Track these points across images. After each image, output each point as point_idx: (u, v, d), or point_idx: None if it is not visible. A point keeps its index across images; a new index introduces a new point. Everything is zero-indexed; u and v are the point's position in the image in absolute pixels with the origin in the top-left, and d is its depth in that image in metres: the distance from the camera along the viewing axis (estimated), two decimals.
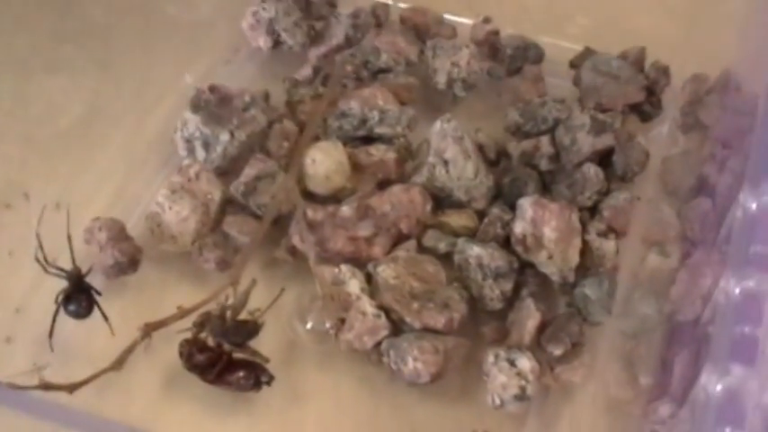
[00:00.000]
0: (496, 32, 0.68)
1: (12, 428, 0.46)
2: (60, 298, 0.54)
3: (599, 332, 0.56)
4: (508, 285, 0.56)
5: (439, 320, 0.54)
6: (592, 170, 0.59)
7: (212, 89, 0.62)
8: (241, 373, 0.53)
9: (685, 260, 0.53)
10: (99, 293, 0.55)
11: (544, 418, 0.54)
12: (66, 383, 0.50)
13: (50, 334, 0.53)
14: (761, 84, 0.48)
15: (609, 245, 0.57)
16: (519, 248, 0.57)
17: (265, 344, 0.54)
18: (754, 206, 0.41)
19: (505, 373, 0.52)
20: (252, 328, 0.53)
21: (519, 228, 0.57)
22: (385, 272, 0.56)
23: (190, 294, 0.55)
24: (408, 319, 0.54)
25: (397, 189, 0.59)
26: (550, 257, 0.56)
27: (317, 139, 0.62)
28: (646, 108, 0.64)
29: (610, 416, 0.53)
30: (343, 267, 0.56)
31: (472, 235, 0.59)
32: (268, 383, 0.53)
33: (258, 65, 0.70)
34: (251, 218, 0.59)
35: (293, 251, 0.58)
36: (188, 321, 0.53)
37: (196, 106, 0.62)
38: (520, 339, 0.54)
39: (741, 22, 0.59)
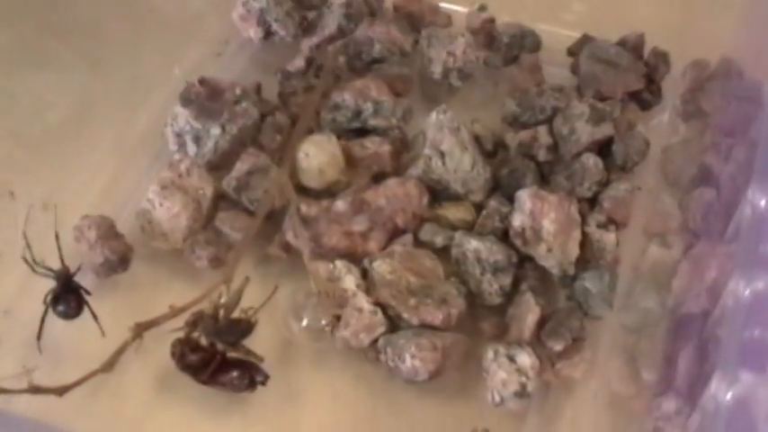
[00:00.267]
0: (492, 20, 0.67)
1: None
2: (49, 298, 0.53)
3: (600, 326, 0.54)
4: (507, 280, 0.55)
5: (437, 316, 0.53)
6: (591, 160, 0.58)
7: (202, 82, 0.61)
8: (235, 373, 0.52)
9: (688, 252, 0.52)
10: (89, 293, 0.53)
11: (545, 415, 0.53)
12: (55, 386, 0.49)
13: (39, 336, 0.52)
14: (766, 70, 0.47)
15: (609, 237, 0.56)
16: (518, 242, 0.56)
17: (260, 342, 0.53)
18: (762, 203, 0.39)
19: (505, 370, 0.51)
20: (245, 327, 0.52)
21: (517, 220, 0.56)
22: (381, 267, 0.55)
23: (182, 293, 0.53)
24: (405, 316, 0.53)
25: (392, 182, 0.58)
26: (550, 250, 0.55)
27: (310, 132, 0.61)
28: (645, 96, 0.63)
29: (612, 412, 0.52)
30: (339, 263, 0.55)
31: (470, 228, 0.58)
32: (263, 383, 0.52)
33: (249, 56, 0.69)
34: (244, 213, 0.58)
35: (287, 247, 0.57)
36: (180, 320, 0.52)
37: (186, 100, 0.60)
38: (519, 335, 0.53)
39: (741, 8, 0.58)
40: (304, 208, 0.57)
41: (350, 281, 0.54)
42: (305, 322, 0.55)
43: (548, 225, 0.55)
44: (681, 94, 0.61)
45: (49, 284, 0.53)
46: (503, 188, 0.59)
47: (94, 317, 0.53)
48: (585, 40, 0.66)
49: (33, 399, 0.49)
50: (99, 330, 0.53)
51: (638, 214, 0.57)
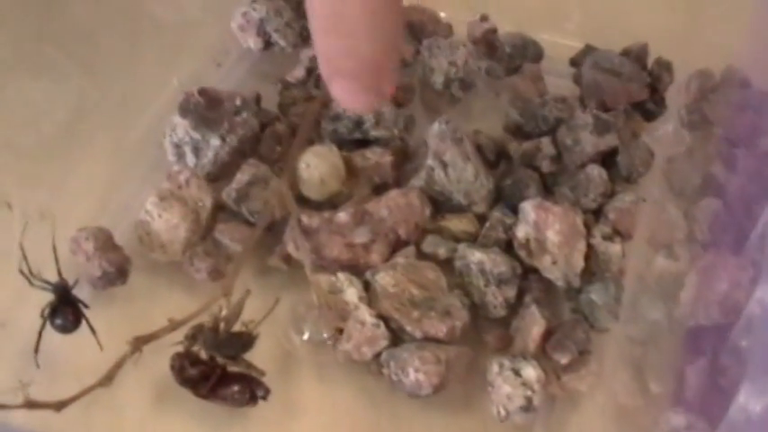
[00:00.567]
0: (494, 30, 0.67)
1: None
2: (46, 311, 0.52)
3: (606, 339, 0.54)
4: (511, 292, 0.54)
5: (440, 329, 0.52)
6: (595, 171, 0.58)
7: (202, 92, 0.60)
8: (236, 387, 0.51)
9: (695, 263, 0.51)
10: (87, 306, 0.52)
11: (551, 429, 0.52)
12: (52, 401, 0.48)
13: (36, 349, 0.51)
14: None
15: (614, 248, 0.55)
16: (522, 253, 0.55)
17: (260, 356, 0.52)
18: None
19: (510, 383, 0.50)
20: (246, 341, 0.51)
21: (522, 232, 0.55)
22: (384, 279, 0.54)
23: (181, 305, 0.53)
24: (409, 328, 0.52)
25: (394, 193, 0.57)
26: (554, 262, 0.54)
27: (310, 142, 0.60)
28: (649, 106, 0.63)
29: (619, 425, 0.51)
30: (340, 275, 0.54)
31: (473, 240, 0.57)
32: (264, 397, 0.51)
33: (248, 67, 0.68)
34: (243, 225, 0.57)
35: (288, 259, 0.56)
36: (179, 334, 0.51)
37: (185, 110, 0.59)
38: (524, 347, 0.52)
39: (746, 17, 0.57)
40: (305, 219, 0.56)
41: (352, 293, 0.54)
42: (306, 335, 0.54)
43: (552, 236, 0.54)
44: (686, 104, 0.60)
45: (46, 296, 0.52)
46: (506, 199, 0.59)
47: (92, 330, 0.52)
48: (588, 50, 0.65)
49: (30, 413, 0.48)
50: (97, 344, 0.52)
51: (644, 225, 0.56)
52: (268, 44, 0.67)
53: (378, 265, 0.55)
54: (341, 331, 0.53)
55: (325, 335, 0.53)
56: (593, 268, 0.55)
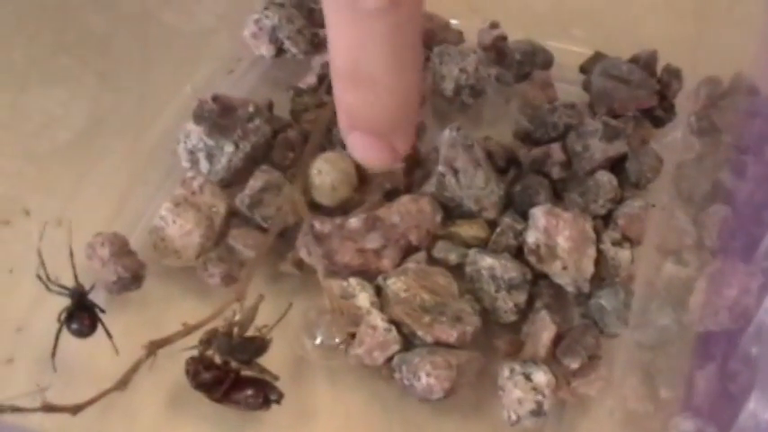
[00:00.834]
0: (504, 37, 0.67)
1: None
2: (63, 316, 0.52)
3: (616, 344, 0.54)
4: (522, 297, 0.55)
5: (451, 334, 0.53)
6: (605, 177, 0.58)
7: (215, 99, 0.61)
8: (249, 392, 0.51)
9: (704, 269, 0.52)
10: (103, 311, 0.53)
11: None
12: (69, 405, 0.49)
13: (53, 353, 0.52)
14: None
15: (624, 254, 0.56)
16: (532, 259, 0.56)
17: (272, 360, 0.52)
18: None
19: (521, 388, 0.51)
20: (260, 345, 0.52)
21: (532, 238, 0.56)
22: (395, 284, 0.54)
23: (195, 310, 0.53)
24: (420, 333, 0.53)
25: (405, 199, 0.58)
26: (565, 268, 0.55)
27: (322, 149, 0.61)
28: (658, 113, 0.63)
29: (628, 430, 0.51)
30: (352, 280, 0.55)
31: (483, 245, 0.57)
32: (277, 401, 0.52)
33: (261, 74, 0.69)
34: (256, 231, 0.58)
35: (300, 264, 0.57)
36: (193, 338, 0.52)
37: (199, 117, 0.60)
38: (535, 352, 0.53)
39: (755, 24, 0.58)
40: (317, 225, 0.56)
41: (364, 298, 0.54)
42: (318, 340, 0.55)
43: (562, 242, 0.55)
44: (695, 111, 0.61)
45: (62, 301, 0.53)
46: (516, 205, 0.59)
47: (108, 335, 0.53)
48: (597, 57, 0.66)
49: (46, 417, 0.48)
50: (111, 348, 0.52)
51: (653, 231, 0.57)
52: (280, 51, 0.67)
53: (389, 270, 0.56)
54: (353, 336, 0.53)
55: (337, 339, 0.53)
56: (603, 274, 0.56)
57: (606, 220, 0.58)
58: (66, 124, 0.65)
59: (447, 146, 0.59)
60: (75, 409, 0.49)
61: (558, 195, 0.60)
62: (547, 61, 0.67)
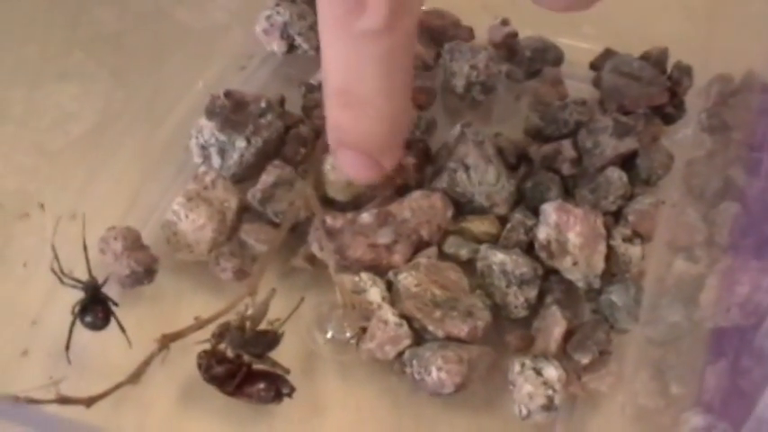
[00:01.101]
0: (515, 34, 0.67)
1: None
2: (77, 309, 0.53)
3: (626, 340, 0.54)
4: (533, 292, 0.55)
5: (462, 329, 0.53)
6: (615, 174, 0.58)
7: (227, 95, 0.61)
8: (261, 385, 0.52)
9: (715, 266, 0.52)
10: (116, 304, 0.54)
11: (571, 429, 0.53)
12: (83, 397, 0.49)
13: (67, 346, 0.52)
14: None
15: (635, 250, 0.56)
16: (543, 254, 0.56)
17: (285, 354, 0.53)
18: None
19: (532, 383, 0.51)
20: (272, 339, 0.52)
21: (543, 233, 0.56)
22: (406, 279, 0.55)
23: (207, 304, 0.54)
24: (431, 328, 0.53)
25: (417, 195, 0.58)
26: (575, 264, 0.55)
27: None
28: (669, 110, 0.63)
29: (639, 426, 0.51)
30: (364, 275, 0.55)
31: (494, 241, 0.58)
32: (289, 395, 0.52)
33: (272, 70, 0.69)
34: (268, 226, 0.58)
35: (312, 259, 0.57)
36: (206, 332, 0.52)
37: (211, 113, 0.60)
38: (546, 348, 0.53)
39: (767, 21, 0.58)
40: (329, 220, 0.57)
41: (375, 293, 0.54)
42: (330, 334, 0.55)
43: (573, 238, 0.55)
44: (705, 108, 0.61)
45: (76, 295, 0.53)
46: (527, 201, 0.59)
47: (122, 328, 0.53)
48: (608, 53, 0.66)
49: (60, 409, 0.49)
50: (124, 341, 0.53)
51: (663, 228, 0.57)
52: (292, 47, 0.68)
53: (400, 265, 0.56)
54: (364, 330, 0.53)
55: (348, 334, 0.54)
56: (614, 270, 0.56)
57: (617, 216, 0.58)
58: (80, 120, 0.66)
59: (458, 142, 0.59)
60: (89, 402, 0.49)
61: (568, 192, 0.60)
62: (557, 58, 0.67)
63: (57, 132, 0.65)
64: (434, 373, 0.51)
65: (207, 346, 0.52)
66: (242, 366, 0.52)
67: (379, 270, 0.56)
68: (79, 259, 0.53)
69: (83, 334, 0.53)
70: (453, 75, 0.65)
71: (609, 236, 0.56)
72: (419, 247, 0.57)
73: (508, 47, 0.67)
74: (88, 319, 0.53)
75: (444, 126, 0.63)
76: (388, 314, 0.53)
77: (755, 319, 0.46)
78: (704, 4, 0.65)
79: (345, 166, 0.44)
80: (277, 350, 0.53)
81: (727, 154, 0.58)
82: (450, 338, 0.53)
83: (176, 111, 0.65)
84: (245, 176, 0.60)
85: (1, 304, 0.55)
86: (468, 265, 0.57)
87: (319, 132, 0.62)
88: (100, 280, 0.53)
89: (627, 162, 0.60)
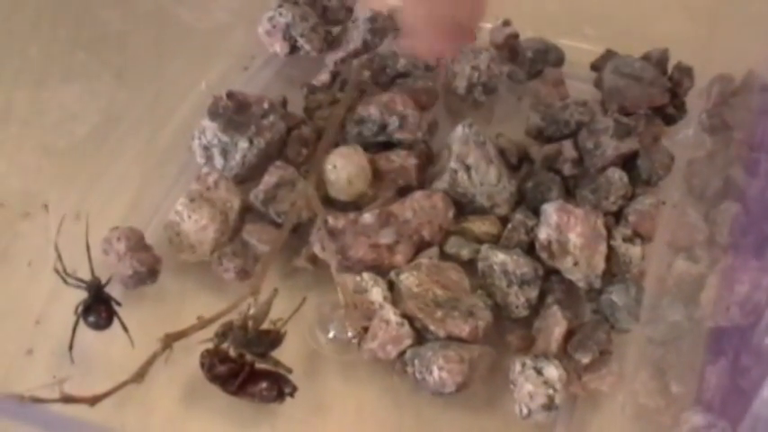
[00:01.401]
0: (516, 35, 0.68)
1: None
2: (80, 309, 0.53)
3: (627, 339, 0.55)
4: (533, 292, 0.55)
5: (463, 329, 0.53)
6: (616, 174, 0.59)
7: (230, 96, 0.61)
8: (264, 384, 0.52)
9: (715, 265, 0.52)
10: (119, 304, 0.54)
11: (572, 428, 0.53)
12: (87, 396, 0.49)
13: (70, 346, 0.53)
14: None
15: (635, 250, 0.56)
16: (544, 255, 0.56)
17: (286, 354, 0.53)
18: None
19: (532, 382, 0.51)
20: (274, 339, 0.52)
21: (543, 234, 0.56)
22: (408, 279, 0.55)
23: (209, 304, 0.54)
24: (432, 328, 0.53)
25: (419, 195, 0.58)
26: (576, 264, 0.55)
27: (336, 145, 0.61)
28: (669, 111, 0.64)
29: (639, 425, 0.52)
30: (365, 275, 0.55)
31: (495, 241, 0.58)
32: (291, 394, 0.52)
33: (275, 71, 0.69)
34: (271, 226, 0.59)
35: (314, 259, 0.57)
36: (208, 332, 0.52)
37: (214, 113, 0.61)
38: (546, 347, 0.53)
39: (766, 22, 0.58)
40: (331, 220, 0.57)
41: (377, 293, 0.55)
42: (332, 334, 0.55)
43: (574, 238, 0.55)
44: (706, 109, 0.61)
45: (80, 295, 0.53)
46: (528, 201, 0.60)
47: (125, 328, 0.53)
48: (609, 55, 0.66)
49: (64, 408, 0.49)
50: (128, 341, 0.53)
51: (664, 228, 0.57)
52: (294, 49, 0.68)
53: (402, 265, 0.56)
54: (366, 330, 0.54)
55: (350, 334, 0.54)
56: (614, 270, 0.56)
57: (617, 216, 0.59)
58: (84, 120, 0.66)
59: (459, 142, 0.59)
60: (94, 401, 0.49)
61: (569, 192, 0.60)
62: (559, 59, 0.68)
63: (60, 133, 0.65)
64: (436, 373, 0.51)
65: (210, 346, 0.52)
66: (244, 366, 0.52)
67: (380, 270, 0.56)
68: (83, 259, 0.53)
69: (86, 333, 0.53)
70: (455, 76, 0.65)
71: (609, 236, 0.57)
72: (421, 247, 0.58)
73: (510, 48, 0.68)
74: (91, 318, 0.53)
75: (446, 127, 0.63)
76: (390, 314, 0.53)
77: (755, 318, 0.46)
78: (704, 5, 0.65)
79: (419, 48, 0.43)
80: (279, 350, 0.53)
81: (727, 154, 0.58)
82: (451, 338, 0.53)
83: (179, 111, 0.65)
84: (247, 177, 0.61)
85: (5, 303, 0.55)
86: (469, 266, 0.57)
87: (321, 133, 0.62)
88: (103, 280, 0.54)
89: (628, 162, 0.60)
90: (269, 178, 0.59)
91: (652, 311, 0.53)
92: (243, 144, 0.60)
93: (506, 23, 0.68)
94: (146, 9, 0.72)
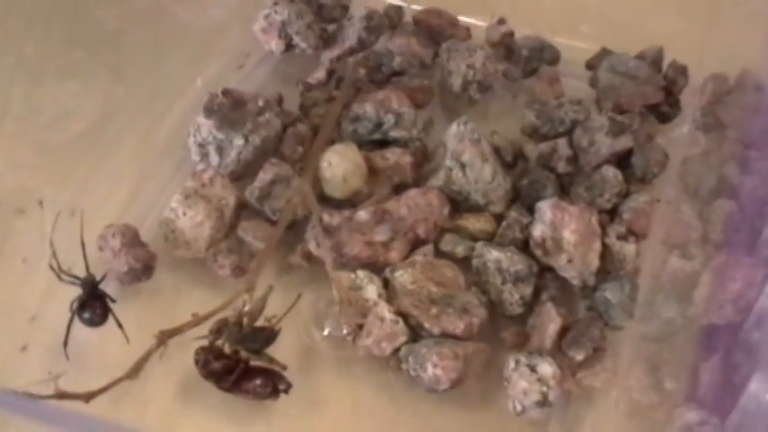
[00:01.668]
0: (511, 34, 0.68)
1: None
2: (75, 305, 0.53)
3: (621, 336, 0.55)
4: (528, 289, 0.56)
5: (458, 326, 0.53)
6: (611, 172, 0.59)
7: (225, 93, 0.61)
8: (258, 381, 0.52)
9: (709, 263, 0.52)
10: (114, 301, 0.54)
11: (566, 424, 0.53)
12: (82, 392, 0.50)
13: (65, 342, 0.53)
14: None
15: (629, 248, 0.56)
16: (538, 252, 0.56)
17: (282, 351, 0.53)
18: None
19: (526, 379, 0.51)
20: (269, 335, 0.53)
21: (538, 231, 0.56)
22: (402, 277, 0.55)
23: (204, 301, 0.54)
24: (427, 325, 0.53)
25: (414, 193, 0.58)
26: (570, 261, 0.56)
27: (331, 142, 0.61)
28: (664, 109, 0.64)
29: (633, 421, 0.52)
30: (360, 272, 0.56)
31: (490, 239, 0.58)
32: (285, 391, 0.52)
33: (270, 69, 0.70)
34: (266, 223, 0.59)
35: (309, 256, 0.58)
36: (203, 328, 0.52)
37: (209, 111, 0.61)
38: (541, 344, 0.53)
39: (761, 22, 0.58)
40: (326, 218, 0.57)
41: (372, 290, 0.55)
42: (327, 331, 0.55)
43: (568, 236, 0.55)
44: (700, 107, 0.61)
45: (75, 291, 0.54)
46: (523, 199, 0.60)
47: (119, 324, 0.53)
48: (604, 53, 0.66)
49: (59, 404, 0.49)
50: (123, 337, 0.53)
51: (658, 225, 0.57)
52: (289, 46, 0.68)
53: (397, 262, 0.56)
54: (361, 327, 0.54)
55: (345, 331, 0.54)
56: (609, 267, 0.56)
57: (612, 214, 0.59)
58: (79, 117, 0.66)
59: (455, 140, 0.59)
60: (88, 397, 0.50)
61: (564, 190, 0.61)
62: (554, 57, 0.68)
63: (56, 130, 0.65)
64: (430, 370, 0.52)
65: (204, 343, 0.52)
66: (239, 362, 0.52)
67: (375, 267, 0.56)
68: (78, 256, 0.54)
69: (81, 330, 0.54)
70: (450, 74, 0.65)
71: (604, 233, 0.57)
72: (415, 244, 0.58)
73: (505, 46, 0.68)
74: (86, 315, 0.53)
75: (441, 124, 0.64)
76: (385, 311, 0.54)
77: (748, 315, 0.46)
78: (699, 4, 0.65)
79: None
80: (274, 346, 0.53)
81: (721, 152, 0.58)
82: (445, 335, 0.53)
83: (175, 109, 0.65)
84: (242, 174, 0.61)
85: (0, 300, 0.55)
86: (464, 263, 0.57)
87: (317, 131, 0.62)
88: (98, 276, 0.54)
89: (622, 160, 0.61)
90: (264, 175, 0.59)
91: (646, 308, 0.54)
92: (238, 141, 0.60)
93: (502, 21, 0.68)
94: (142, 6, 0.72)
